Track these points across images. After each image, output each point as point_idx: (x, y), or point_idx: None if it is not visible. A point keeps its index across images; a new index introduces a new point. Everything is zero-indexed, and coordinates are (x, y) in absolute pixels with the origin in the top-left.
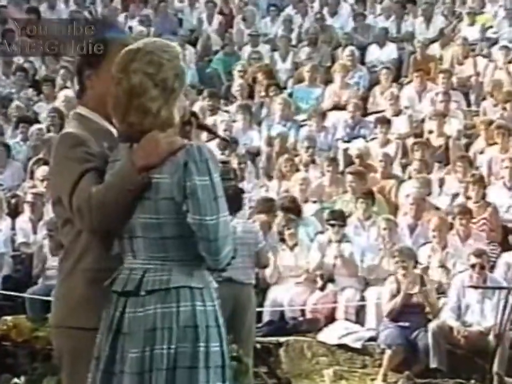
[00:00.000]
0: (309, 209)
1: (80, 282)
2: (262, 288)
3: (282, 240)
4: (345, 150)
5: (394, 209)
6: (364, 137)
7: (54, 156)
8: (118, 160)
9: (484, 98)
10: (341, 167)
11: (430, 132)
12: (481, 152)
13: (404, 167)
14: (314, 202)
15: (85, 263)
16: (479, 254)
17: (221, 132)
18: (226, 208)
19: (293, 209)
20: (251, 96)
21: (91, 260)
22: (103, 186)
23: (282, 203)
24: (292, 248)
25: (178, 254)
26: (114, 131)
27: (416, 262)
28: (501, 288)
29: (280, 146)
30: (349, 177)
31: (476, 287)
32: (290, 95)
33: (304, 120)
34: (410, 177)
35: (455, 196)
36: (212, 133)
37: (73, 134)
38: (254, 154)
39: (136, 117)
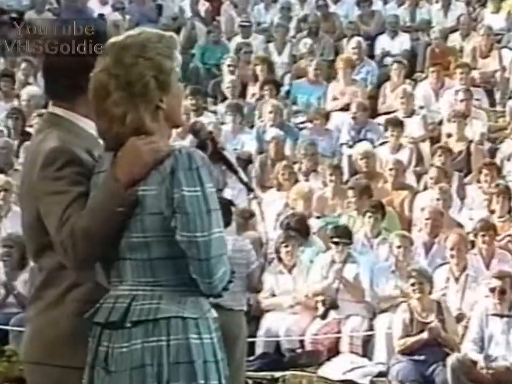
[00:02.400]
0: (312, 226)
1: (66, 314)
2: (254, 316)
3: (279, 259)
4: (351, 156)
5: (408, 225)
6: (372, 141)
7: (37, 173)
8: (102, 171)
9: (511, 97)
10: (345, 176)
11: (449, 135)
12: (509, 159)
13: (419, 176)
14: (318, 217)
15: (76, 293)
16: (500, 276)
17: None
18: (221, 223)
19: (300, 230)
20: (241, 94)
21: (85, 290)
22: (86, 212)
23: (288, 222)
24: (290, 270)
25: (169, 278)
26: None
27: (432, 286)
28: None
29: (276, 151)
30: (350, 193)
31: (500, 316)
32: (288, 93)
33: (303, 122)
34: (426, 188)
35: (478, 209)
36: (231, 168)
37: (64, 150)
38: (245, 161)
39: (104, 123)
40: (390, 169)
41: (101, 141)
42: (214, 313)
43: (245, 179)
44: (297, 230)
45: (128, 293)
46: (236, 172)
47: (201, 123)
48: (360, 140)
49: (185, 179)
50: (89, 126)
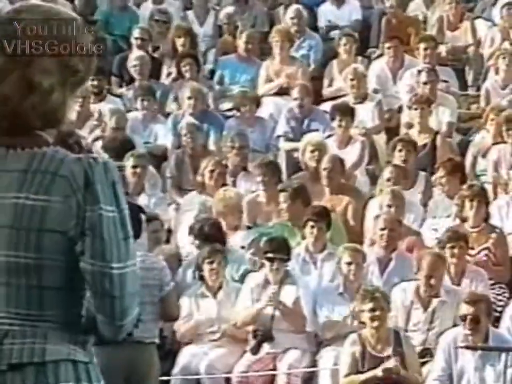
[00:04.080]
0: (240, 238)
1: None
2: (170, 350)
3: (201, 279)
4: (290, 151)
5: (359, 236)
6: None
7: None
8: None
9: (486, 78)
10: (283, 176)
11: (410, 125)
12: (484, 156)
13: (373, 176)
14: (249, 227)
15: None
16: (473, 300)
17: (111, 125)
18: (136, 254)
19: (217, 238)
20: (155, 74)
21: None
22: None
23: (201, 227)
24: (214, 293)
25: (57, 313)
26: None
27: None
28: (509, 350)
29: (193, 145)
30: (281, 197)
31: (472, 348)
32: (212, 72)
33: (231, 110)
34: (381, 191)
35: (443, 217)
36: None
37: None
38: (159, 158)
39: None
40: (324, 169)
41: None
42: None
43: None
44: (213, 238)
45: None
46: None
47: (78, 136)
48: (304, 132)
49: (103, 195)
50: None
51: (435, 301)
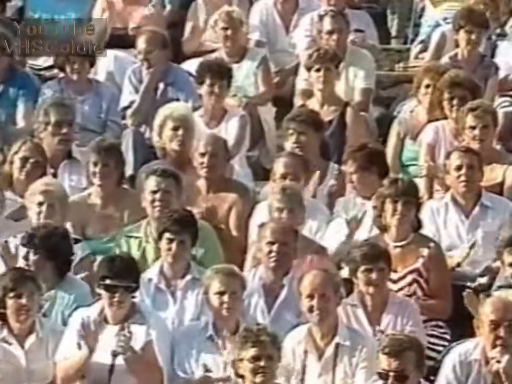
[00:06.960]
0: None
1: None
2: None
3: (3, 319)
4: (138, 130)
5: (240, 252)
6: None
7: None
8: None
9: (418, 25)
10: (129, 168)
11: (308, 93)
12: (415, 137)
13: (257, 167)
14: (77, 241)
15: None
16: (396, 351)
17: None
18: None
19: (55, 255)
20: None
21: None
22: None
23: (46, 236)
24: (22, 339)
25: None
26: None
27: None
28: None
29: None
30: (127, 197)
31: None
32: (21, 11)
33: (50, 68)
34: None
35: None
36: None
37: None
38: None
39: None
40: (202, 154)
41: None
42: None
43: None
44: (60, 252)
45: None
46: None
47: None
48: (157, 103)
49: None
50: None
51: (331, 345)
